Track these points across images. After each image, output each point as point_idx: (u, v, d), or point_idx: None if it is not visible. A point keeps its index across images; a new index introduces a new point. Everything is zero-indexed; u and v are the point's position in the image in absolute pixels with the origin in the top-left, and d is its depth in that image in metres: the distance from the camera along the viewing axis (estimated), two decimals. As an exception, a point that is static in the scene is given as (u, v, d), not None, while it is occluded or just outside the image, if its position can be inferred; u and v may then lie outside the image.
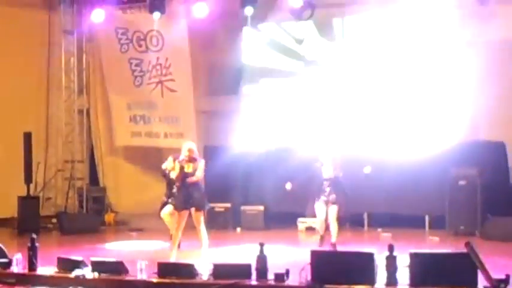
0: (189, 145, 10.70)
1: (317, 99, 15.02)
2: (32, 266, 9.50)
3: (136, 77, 16.60)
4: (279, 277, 8.29)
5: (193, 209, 10.40)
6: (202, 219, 10.46)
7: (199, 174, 10.44)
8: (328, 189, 11.49)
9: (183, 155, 10.56)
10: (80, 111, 16.96)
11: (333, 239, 11.42)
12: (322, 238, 11.50)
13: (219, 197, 14.32)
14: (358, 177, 13.46)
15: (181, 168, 10.49)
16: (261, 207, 14.79)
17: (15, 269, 9.60)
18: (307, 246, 10.80)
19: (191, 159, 10.49)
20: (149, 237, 13.00)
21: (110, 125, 16.96)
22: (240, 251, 11.18)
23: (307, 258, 8.24)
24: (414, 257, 8.15)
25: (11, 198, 14.86)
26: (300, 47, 15.33)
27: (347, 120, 14.65)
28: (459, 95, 13.77)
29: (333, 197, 11.47)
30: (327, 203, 11.50)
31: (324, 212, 11.53)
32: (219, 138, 15.74)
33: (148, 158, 16.63)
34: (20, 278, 9.39)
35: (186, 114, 16.39)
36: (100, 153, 17.06)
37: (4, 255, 9.92)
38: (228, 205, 14.92)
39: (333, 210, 11.50)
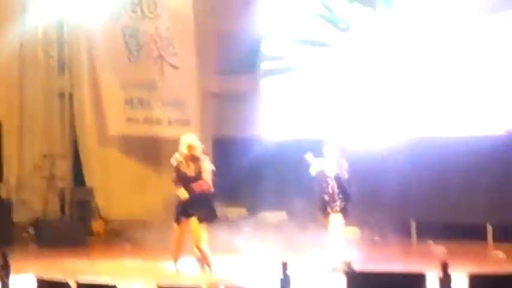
0: (188, 139, 10.52)
1: (350, 76, 15.03)
2: (4, 290, 9.64)
3: (131, 50, 16.72)
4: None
5: (194, 219, 10.31)
6: (203, 234, 10.36)
7: (207, 177, 10.29)
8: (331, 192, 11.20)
9: (180, 152, 10.37)
10: (61, 95, 17.02)
11: (347, 258, 10.80)
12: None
13: (231, 201, 14.37)
14: (407, 178, 13.46)
15: (178, 169, 10.32)
16: (284, 214, 14.81)
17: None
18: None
19: (192, 158, 10.32)
20: (147, 251, 13.11)
21: (98, 112, 17.05)
22: (257, 271, 11.27)
23: (341, 281, 8.31)
24: (474, 279, 8.20)
25: (-23, 201, 15.04)
26: (330, 13, 15.35)
27: (387, 104, 14.70)
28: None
29: (337, 204, 11.22)
30: (328, 212, 11.24)
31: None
32: (232, 126, 15.82)
33: (147, 152, 16.73)
34: (-11, 303, 9.54)
35: (191, 97, 16.47)
36: (86, 146, 17.14)
37: (-31, 275, 10.07)
38: (243, 210, 14.98)
39: (338, 221, 11.23)
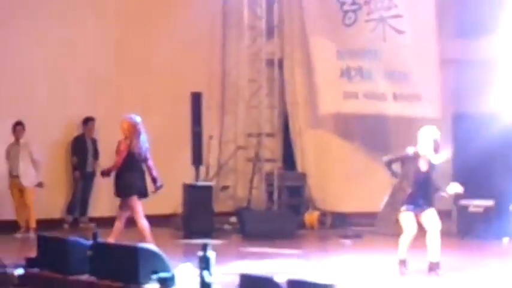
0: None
1: None
2: (204, 284, 9.84)
3: (346, 12, 16.72)
4: None
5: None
6: None
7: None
8: None
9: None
10: (270, 62, 17.24)
11: None
12: None
13: (474, 191, 14.07)
14: None
15: None
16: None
17: (180, 286, 10.00)
18: None
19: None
20: (370, 248, 13.03)
21: (310, 84, 17.15)
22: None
23: None
24: None
25: (173, 187, 15.37)
26: None
27: None
28: None
29: None
30: None
31: None
32: (474, 100, 15.45)
33: (369, 133, 16.62)
34: (187, 300, 9.79)
35: (422, 66, 16.24)
36: (298, 124, 17.30)
37: (165, 267, 10.34)
38: (490, 202, 14.68)
39: None
